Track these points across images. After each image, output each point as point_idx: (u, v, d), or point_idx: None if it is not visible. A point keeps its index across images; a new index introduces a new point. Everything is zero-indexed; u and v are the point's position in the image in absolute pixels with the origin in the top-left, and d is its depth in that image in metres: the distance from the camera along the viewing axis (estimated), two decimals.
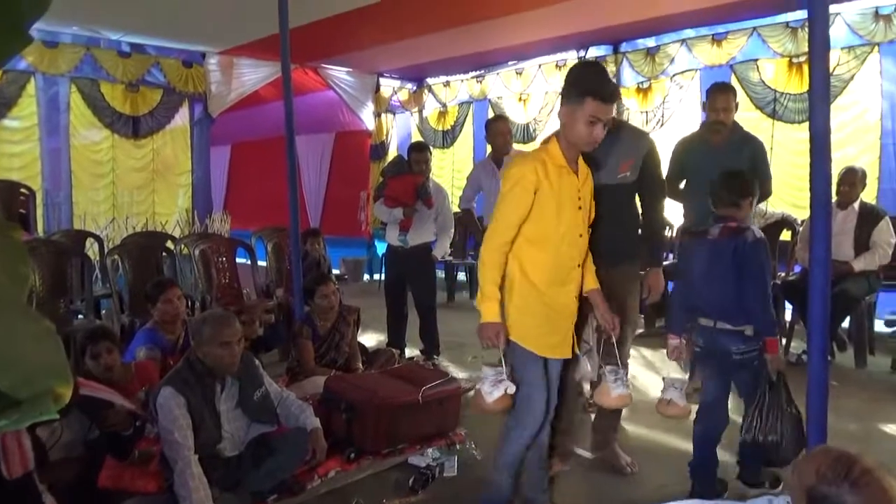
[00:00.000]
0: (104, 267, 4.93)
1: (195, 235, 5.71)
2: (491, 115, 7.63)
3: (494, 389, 2.25)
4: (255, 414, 2.64)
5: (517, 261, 2.28)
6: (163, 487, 2.48)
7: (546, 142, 2.37)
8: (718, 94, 3.61)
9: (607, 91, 2.19)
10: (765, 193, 3.65)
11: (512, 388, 2.26)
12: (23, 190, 5.87)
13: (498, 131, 4.62)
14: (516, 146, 6.02)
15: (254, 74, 7.05)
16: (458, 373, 4.24)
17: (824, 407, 2.27)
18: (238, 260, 5.45)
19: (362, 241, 8.87)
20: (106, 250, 5.25)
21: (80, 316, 4.65)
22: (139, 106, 6.58)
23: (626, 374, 2.64)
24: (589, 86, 2.19)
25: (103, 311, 5.16)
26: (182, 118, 6.90)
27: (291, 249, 4.36)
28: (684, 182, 3.77)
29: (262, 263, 5.75)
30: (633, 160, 2.75)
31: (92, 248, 5.54)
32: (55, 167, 6.32)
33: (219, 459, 2.50)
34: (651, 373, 4.50)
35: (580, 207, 2.34)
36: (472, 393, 3.96)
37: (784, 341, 5.02)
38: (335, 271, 6.99)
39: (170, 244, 5.38)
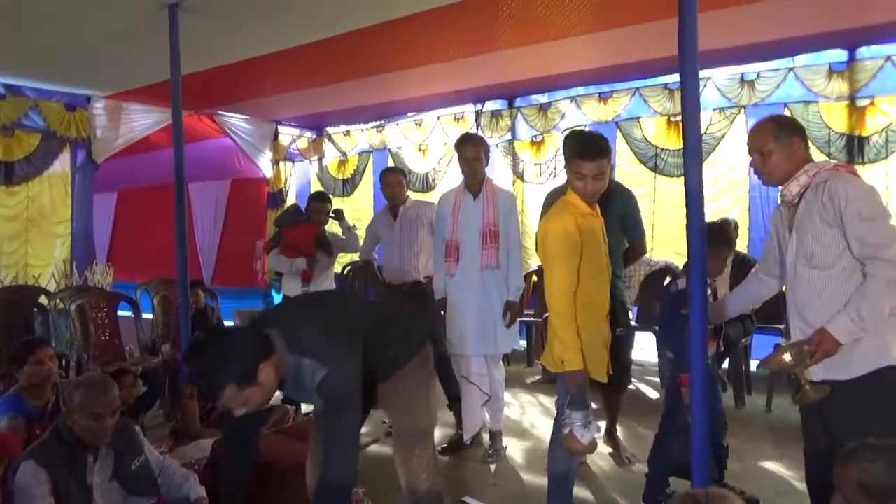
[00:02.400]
0: None
1: (72, 289, 5.31)
2: (391, 164, 7.71)
3: (586, 432, 2.48)
4: (132, 486, 2.42)
5: (577, 300, 2.53)
6: None
7: (563, 194, 2.73)
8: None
9: (586, 150, 2.55)
10: (638, 251, 3.69)
11: (599, 430, 2.55)
12: None
13: (388, 183, 4.66)
14: (417, 195, 6.09)
15: (144, 120, 6.76)
16: None
17: (706, 449, 2.37)
18: (122, 313, 5.13)
19: (259, 291, 8.56)
20: None
21: None
22: (13, 151, 6.10)
23: None
24: (573, 148, 2.62)
25: None
26: (62, 164, 6.46)
27: (180, 302, 4.14)
28: None
29: (147, 317, 5.43)
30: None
31: None
32: None
33: None
34: (549, 419, 4.55)
35: (605, 244, 2.73)
36: (371, 448, 3.88)
37: None
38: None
39: (43, 299, 4.98)
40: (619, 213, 3.48)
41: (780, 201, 2.40)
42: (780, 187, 2.33)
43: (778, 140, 2.27)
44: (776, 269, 2.49)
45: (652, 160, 5.97)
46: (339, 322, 2.06)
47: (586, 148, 2.59)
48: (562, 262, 2.52)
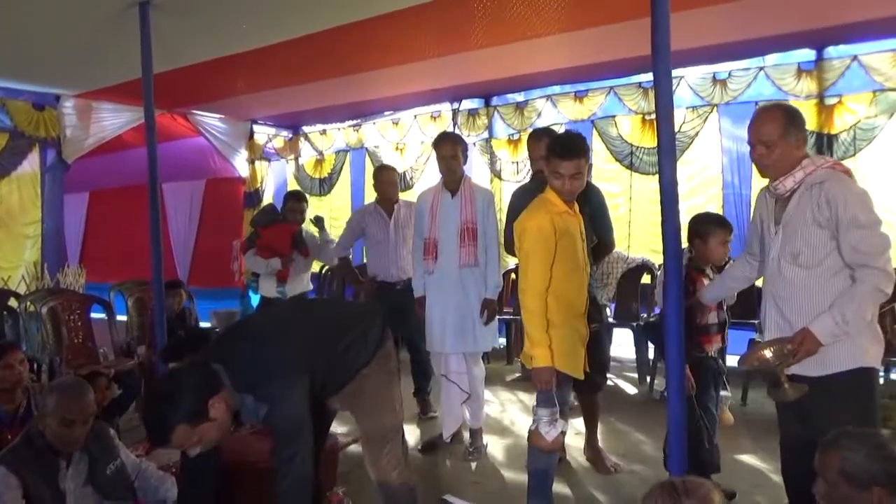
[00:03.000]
0: None
1: (43, 291, 5.21)
2: (368, 163, 7.68)
3: (552, 429, 2.54)
4: (107, 491, 2.38)
5: (553, 298, 2.57)
6: None
7: (529, 192, 2.81)
8: (532, 142, 3.69)
9: (565, 149, 2.59)
10: (607, 247, 3.62)
11: (566, 426, 2.59)
12: None
13: (387, 180, 4.72)
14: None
15: (115, 119, 6.65)
16: (336, 427, 4.10)
17: (684, 442, 2.40)
18: (95, 315, 5.04)
19: (235, 291, 8.47)
20: None
21: None
22: None
23: None
24: (551, 147, 2.66)
25: None
26: (31, 164, 6.33)
27: (155, 303, 4.08)
28: None
29: (122, 318, 5.35)
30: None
31: None
32: None
33: None
34: (529, 416, 4.57)
35: (583, 241, 2.75)
36: (349, 448, 3.86)
37: (648, 379, 5.32)
38: (204, 324, 6.63)
39: (13, 301, 4.88)
40: (589, 210, 3.47)
41: (767, 193, 2.38)
42: (770, 181, 2.31)
43: (787, 135, 2.21)
44: (761, 253, 2.47)
45: (627, 158, 6.02)
46: (284, 351, 2.02)
47: (565, 147, 2.63)
48: (536, 259, 2.56)
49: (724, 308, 3.13)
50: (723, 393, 3.15)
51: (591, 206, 3.40)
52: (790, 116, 2.25)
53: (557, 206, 2.63)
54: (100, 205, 10.42)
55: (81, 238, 10.63)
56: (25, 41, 4.65)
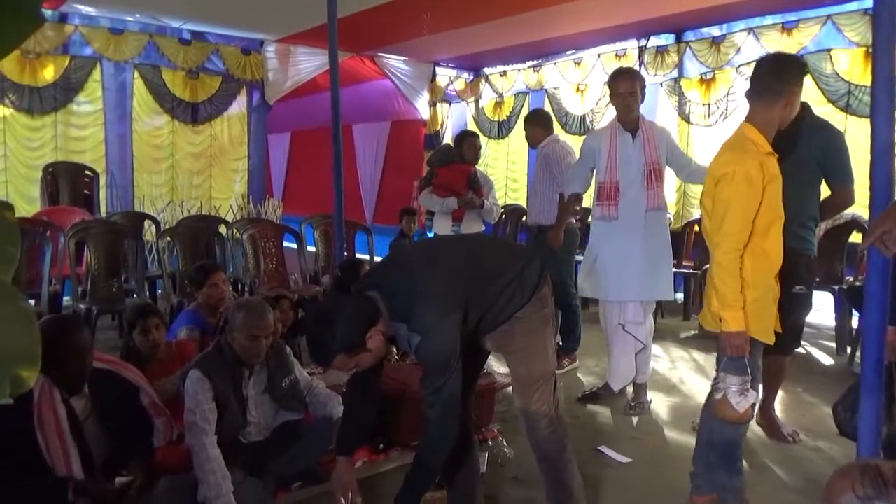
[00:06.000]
0: (159, 249, 5.08)
1: (245, 220, 5.81)
2: (547, 105, 7.49)
3: (743, 399, 2.29)
4: (282, 401, 2.64)
5: (750, 253, 2.26)
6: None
7: (740, 132, 2.35)
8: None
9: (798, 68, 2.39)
10: (842, 201, 3.14)
11: (757, 397, 2.36)
12: (87, 172, 6.12)
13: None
14: (573, 138, 5.89)
15: (310, 63, 7.11)
16: (497, 367, 4.17)
17: (878, 416, 2.10)
18: (288, 244, 5.52)
19: (416, 230, 8.85)
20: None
21: (134, 295, 4.81)
22: (198, 92, 6.74)
23: None
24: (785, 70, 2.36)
25: (158, 292, 5.32)
26: (240, 105, 7.04)
27: (335, 237, 4.37)
28: None
29: (311, 249, 5.81)
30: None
31: (150, 230, 5.72)
32: (118, 151, 6.56)
33: (243, 444, 2.51)
34: (701, 376, 4.31)
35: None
36: (509, 389, 3.90)
37: (848, 350, 4.74)
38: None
39: (222, 228, 5.49)
40: (816, 154, 2.99)
41: None
42: None
43: None
44: None
45: (843, 98, 5.25)
46: (437, 283, 2.00)
47: (801, 66, 2.41)
48: (738, 209, 2.21)
49: None
50: None
51: (822, 151, 2.97)
52: None
53: (762, 147, 2.28)
54: (299, 144, 11.35)
55: (284, 174, 11.67)
56: None
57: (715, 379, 2.47)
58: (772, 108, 2.30)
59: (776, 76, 2.34)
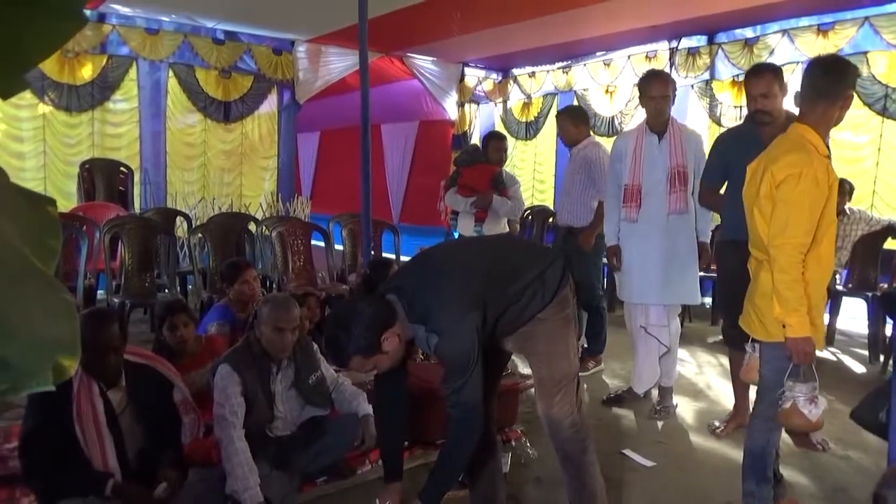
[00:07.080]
0: (190, 245, 5.18)
1: (275, 218, 5.89)
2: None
3: (814, 407, 2.22)
4: (308, 397, 2.67)
5: (811, 256, 2.21)
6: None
7: (797, 133, 2.30)
8: (753, 79, 3.19)
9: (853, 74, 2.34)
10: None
11: (826, 403, 2.25)
12: (122, 169, 6.25)
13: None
14: (602, 140, 5.83)
15: (340, 63, 7.18)
16: (521, 369, 4.17)
17: None
18: (316, 243, 5.58)
19: (441, 230, 8.87)
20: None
21: (166, 290, 4.91)
22: (230, 91, 6.85)
23: None
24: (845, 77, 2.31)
25: (189, 287, 5.41)
26: (270, 104, 7.14)
27: (363, 236, 4.41)
28: (726, 185, 3.34)
29: (339, 248, 5.86)
30: None
31: (182, 227, 5.83)
32: (152, 149, 6.69)
33: (270, 438, 2.55)
34: (728, 382, 4.26)
35: None
36: (532, 390, 3.90)
37: (881, 358, 4.64)
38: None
39: (252, 226, 5.57)
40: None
41: None
42: None
43: None
44: None
45: (880, 102, 5.14)
46: (454, 284, 2.00)
47: (855, 69, 2.36)
48: (804, 211, 2.16)
49: None
50: None
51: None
52: None
53: (821, 149, 2.24)
54: (328, 143, 11.45)
55: (313, 172, 11.78)
56: None
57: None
58: (828, 110, 2.27)
59: (834, 78, 2.30)
